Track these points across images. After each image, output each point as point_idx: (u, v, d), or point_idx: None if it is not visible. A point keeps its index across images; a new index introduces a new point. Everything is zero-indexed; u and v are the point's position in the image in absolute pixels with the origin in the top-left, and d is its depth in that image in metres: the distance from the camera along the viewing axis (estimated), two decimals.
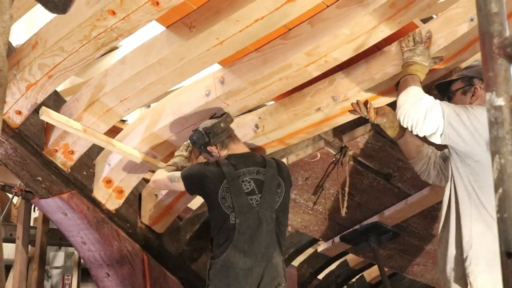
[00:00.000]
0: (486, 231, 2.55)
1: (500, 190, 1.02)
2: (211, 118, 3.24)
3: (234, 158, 3.16)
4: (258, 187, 3.09)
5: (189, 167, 3.26)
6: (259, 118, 3.51)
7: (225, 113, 3.23)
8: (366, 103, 3.09)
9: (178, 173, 3.21)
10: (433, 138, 2.70)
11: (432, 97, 2.72)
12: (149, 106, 5.19)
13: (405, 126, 2.77)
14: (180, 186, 3.20)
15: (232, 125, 3.49)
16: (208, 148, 3.19)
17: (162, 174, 3.32)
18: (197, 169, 3.16)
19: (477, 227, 2.59)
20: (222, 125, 3.16)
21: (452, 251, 2.69)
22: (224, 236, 3.03)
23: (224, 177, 3.05)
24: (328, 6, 2.81)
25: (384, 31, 2.84)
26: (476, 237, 2.58)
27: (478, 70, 2.83)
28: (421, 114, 2.66)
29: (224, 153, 3.20)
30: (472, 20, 2.74)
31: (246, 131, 3.55)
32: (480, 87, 2.80)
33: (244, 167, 3.12)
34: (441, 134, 2.66)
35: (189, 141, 3.31)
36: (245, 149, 3.27)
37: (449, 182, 2.77)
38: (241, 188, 3.06)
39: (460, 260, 2.64)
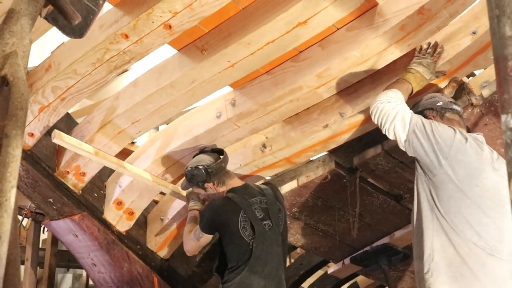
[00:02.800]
0: (447, 244, 2.63)
1: None
2: (202, 152, 3.31)
3: (237, 190, 3.24)
4: (266, 214, 3.19)
5: (201, 214, 3.32)
6: (266, 137, 3.53)
7: (222, 150, 3.32)
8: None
9: (198, 228, 3.26)
10: (399, 144, 2.79)
11: (406, 105, 2.82)
12: (157, 128, 5.22)
13: (374, 122, 2.86)
14: (207, 237, 3.29)
15: (239, 145, 3.54)
16: (206, 184, 3.27)
17: (188, 238, 3.36)
18: (210, 212, 3.21)
19: (439, 240, 2.65)
20: (222, 164, 3.26)
21: (417, 265, 2.75)
22: (240, 262, 3.10)
23: (239, 207, 3.14)
24: (338, 29, 2.84)
25: (394, 53, 2.87)
26: (437, 250, 2.64)
27: (424, 103, 2.97)
28: (391, 114, 2.76)
29: (222, 189, 3.28)
30: (474, 33, 2.82)
31: (253, 151, 3.56)
32: (432, 116, 2.91)
33: (250, 198, 3.21)
34: (405, 141, 2.74)
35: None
36: (241, 182, 3.35)
37: (414, 198, 2.83)
38: (256, 215, 3.15)
39: (423, 273, 2.68)
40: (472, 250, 2.58)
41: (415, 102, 3.02)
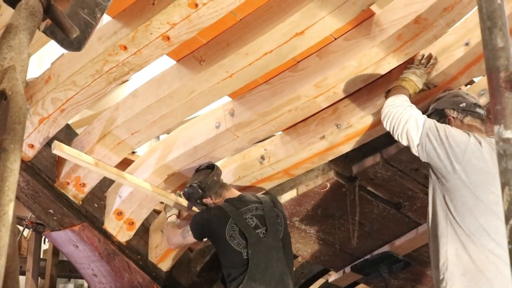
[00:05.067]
0: (462, 251, 2.55)
1: (511, 222, 1.02)
2: (197, 171, 3.40)
3: (231, 200, 3.32)
4: (261, 221, 3.24)
5: (193, 216, 3.42)
6: (265, 149, 3.55)
7: (214, 165, 3.40)
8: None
9: (187, 228, 3.39)
10: (412, 148, 2.73)
11: (419, 111, 2.77)
12: (158, 137, 5.23)
13: (386, 128, 2.82)
14: (192, 238, 3.41)
15: (238, 158, 3.55)
16: (204, 200, 3.36)
17: (173, 233, 3.52)
18: (201, 217, 3.34)
19: (453, 248, 2.58)
20: (214, 178, 3.34)
21: (434, 274, 2.69)
22: (239, 271, 3.14)
23: (228, 216, 3.21)
24: (336, 39, 2.86)
25: (391, 63, 2.89)
26: (452, 258, 2.57)
27: (446, 100, 2.87)
28: (403, 118, 2.72)
29: (219, 201, 3.36)
30: (467, 44, 2.83)
31: (252, 163, 3.58)
32: (452, 116, 2.83)
33: (244, 206, 3.27)
34: (418, 145, 2.68)
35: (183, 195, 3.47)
36: (238, 193, 3.43)
37: (429, 205, 2.77)
38: (247, 223, 3.21)
39: (438, 282, 2.62)
40: (489, 258, 2.50)
41: (437, 97, 2.94)
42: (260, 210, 3.28)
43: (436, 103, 2.91)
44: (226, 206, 3.26)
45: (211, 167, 3.39)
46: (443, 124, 2.72)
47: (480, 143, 2.63)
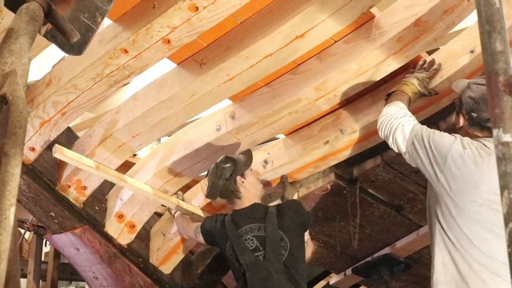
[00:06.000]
0: (448, 260, 2.51)
1: (510, 225, 1.03)
2: (225, 156, 3.24)
3: (237, 215, 3.22)
4: (261, 244, 3.09)
5: (203, 222, 3.40)
6: (268, 153, 3.55)
7: (225, 165, 3.19)
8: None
9: (199, 228, 3.39)
10: (403, 156, 2.70)
11: (412, 117, 2.74)
12: (159, 140, 5.24)
13: (381, 137, 2.81)
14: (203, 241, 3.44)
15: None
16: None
17: (187, 225, 3.56)
18: (208, 227, 3.31)
19: (440, 256, 2.55)
20: (217, 192, 3.22)
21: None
22: (241, 281, 3.10)
23: (227, 238, 3.15)
24: (336, 42, 2.87)
25: (392, 65, 2.89)
26: (438, 266, 2.54)
27: (466, 98, 2.63)
28: (393, 127, 2.70)
29: (231, 206, 3.30)
30: (472, 52, 2.83)
31: (255, 167, 3.57)
32: (462, 118, 2.68)
33: (246, 224, 3.15)
34: (405, 153, 2.66)
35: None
36: (249, 202, 3.23)
37: (427, 211, 2.75)
38: (245, 246, 3.10)
39: None
40: (473, 267, 2.43)
41: (472, 83, 2.65)
42: (262, 230, 3.11)
43: (464, 92, 2.67)
44: (228, 224, 3.16)
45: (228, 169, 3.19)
46: (431, 130, 2.62)
47: (465, 148, 2.50)
